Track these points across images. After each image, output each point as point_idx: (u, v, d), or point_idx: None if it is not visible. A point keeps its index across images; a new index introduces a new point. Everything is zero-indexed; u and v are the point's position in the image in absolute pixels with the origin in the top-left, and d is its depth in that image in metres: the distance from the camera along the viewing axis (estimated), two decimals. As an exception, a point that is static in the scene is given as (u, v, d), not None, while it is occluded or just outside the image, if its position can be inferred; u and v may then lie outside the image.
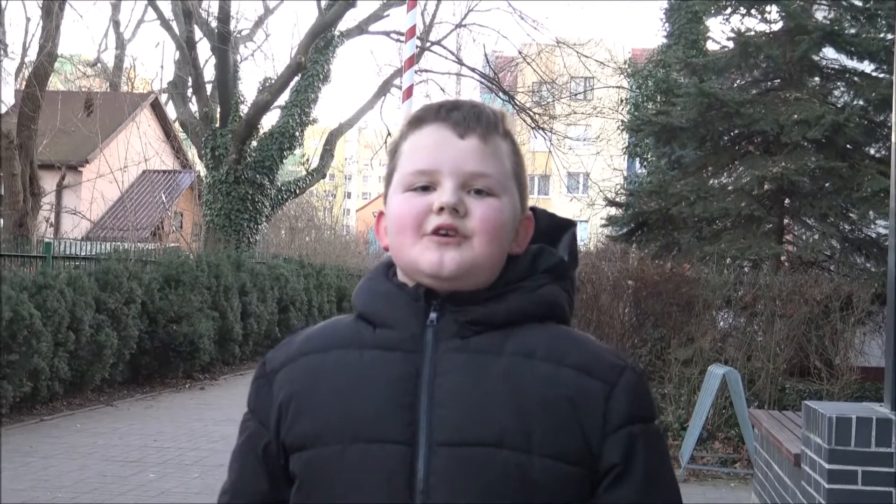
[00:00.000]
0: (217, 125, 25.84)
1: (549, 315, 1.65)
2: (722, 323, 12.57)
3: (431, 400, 1.55)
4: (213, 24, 26.53)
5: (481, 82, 32.35)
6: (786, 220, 14.70)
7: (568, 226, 1.75)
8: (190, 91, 28.26)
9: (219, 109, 26.22)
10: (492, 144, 1.63)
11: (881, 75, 13.95)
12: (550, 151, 30.36)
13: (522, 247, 1.66)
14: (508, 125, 1.68)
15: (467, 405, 1.54)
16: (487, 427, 1.53)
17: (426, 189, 1.60)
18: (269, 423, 1.65)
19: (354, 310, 1.70)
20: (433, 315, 1.60)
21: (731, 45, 15.21)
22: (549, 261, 1.67)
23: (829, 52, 14.67)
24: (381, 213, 1.71)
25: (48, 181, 24.57)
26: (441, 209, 1.57)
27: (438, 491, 1.51)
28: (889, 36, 13.77)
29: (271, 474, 1.65)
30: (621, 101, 29.36)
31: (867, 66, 14.40)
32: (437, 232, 1.57)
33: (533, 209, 1.73)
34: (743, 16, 15.59)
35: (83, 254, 16.07)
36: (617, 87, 30.59)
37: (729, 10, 15.87)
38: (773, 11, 15.24)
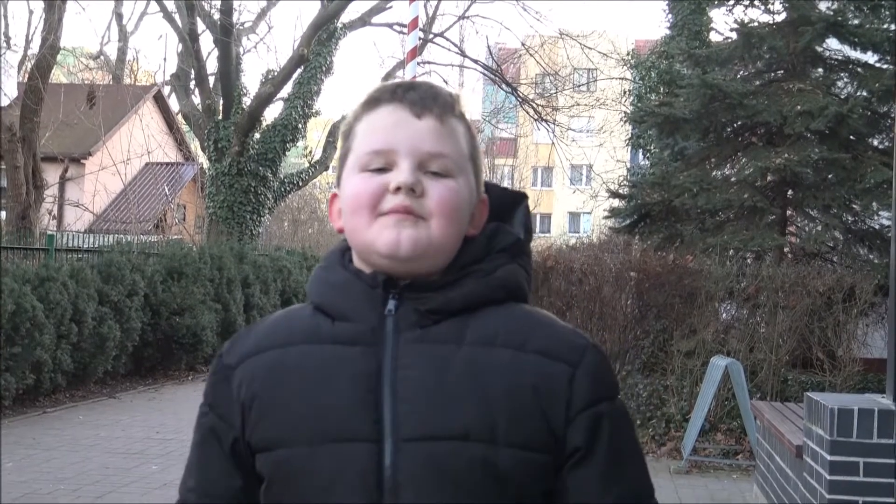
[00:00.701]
0: (220, 117, 25.83)
1: (508, 296, 1.62)
2: (724, 314, 12.55)
3: (394, 395, 1.53)
4: (216, 16, 26.51)
5: (484, 74, 32.32)
6: (789, 212, 14.67)
7: (520, 199, 1.73)
8: (193, 83, 28.23)
9: (221, 102, 26.20)
10: (448, 125, 1.61)
11: (885, 66, 13.92)
12: (553, 143, 30.39)
13: (478, 228, 1.65)
14: (464, 107, 1.67)
15: (430, 399, 1.53)
16: (451, 420, 1.52)
17: (382, 170, 1.58)
18: (232, 421, 1.63)
19: (308, 300, 1.67)
20: (392, 304, 1.58)
21: (734, 36, 15.17)
22: (506, 240, 1.65)
23: (832, 43, 14.63)
24: (334, 196, 1.69)
25: (51, 174, 24.61)
26: (398, 189, 1.55)
27: (407, 487, 1.50)
28: (893, 27, 13.74)
29: (244, 472, 1.63)
30: (624, 92, 29.32)
31: (871, 57, 14.36)
32: (392, 212, 1.55)
33: (486, 185, 1.71)
34: (746, 6, 15.55)
35: (86, 246, 16.09)
36: (620, 78, 30.55)
37: (732, 1, 15.82)
38: (776, 2, 15.20)
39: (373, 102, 1.64)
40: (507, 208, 1.71)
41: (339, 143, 1.70)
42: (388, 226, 1.55)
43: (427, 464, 1.50)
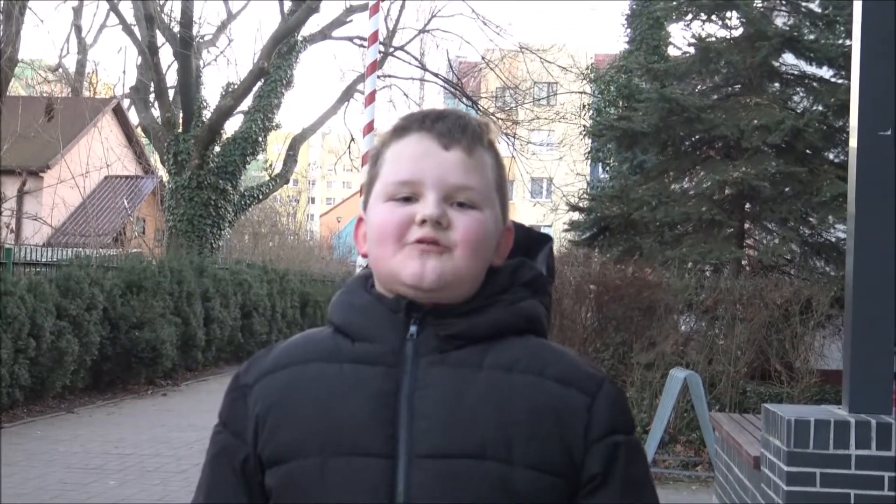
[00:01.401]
0: (179, 130, 25.72)
1: (528, 329, 1.64)
2: (683, 327, 12.64)
3: (411, 413, 1.54)
4: (176, 28, 26.43)
5: (445, 88, 32.36)
6: (746, 225, 14.79)
7: (545, 241, 1.75)
8: (152, 96, 28.13)
9: (181, 115, 26.10)
10: (476, 157, 1.62)
11: (840, 81, 14.06)
12: (514, 157, 30.40)
13: (502, 259, 1.66)
14: (493, 136, 1.67)
15: (448, 417, 1.53)
16: (468, 438, 1.52)
17: (408, 200, 1.59)
18: (245, 437, 1.62)
19: (329, 323, 1.68)
20: (413, 329, 1.58)
21: (692, 50, 15.30)
22: (528, 274, 1.67)
23: (788, 58, 14.78)
24: (360, 220, 1.70)
25: (9, 187, 24.43)
26: (423, 221, 1.56)
27: (420, 502, 1.50)
28: (847, 42, 13.88)
29: (250, 490, 1.62)
30: (584, 106, 29.47)
31: (826, 72, 14.52)
32: (418, 243, 1.56)
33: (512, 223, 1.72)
34: (704, 21, 15.69)
35: (44, 260, 15.95)
36: (579, 92, 30.68)
37: (690, 16, 15.94)
38: (733, 17, 15.34)
39: (401, 130, 1.65)
40: (529, 246, 1.73)
41: (368, 167, 1.70)
42: (413, 257, 1.56)
43: (441, 481, 1.50)
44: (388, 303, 1.60)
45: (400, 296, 1.59)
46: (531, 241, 1.74)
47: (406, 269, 1.56)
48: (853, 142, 5.66)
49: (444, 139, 1.61)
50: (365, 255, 1.67)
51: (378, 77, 12.94)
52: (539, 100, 34.98)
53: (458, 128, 1.62)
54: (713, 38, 14.96)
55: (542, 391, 1.57)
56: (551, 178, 35.74)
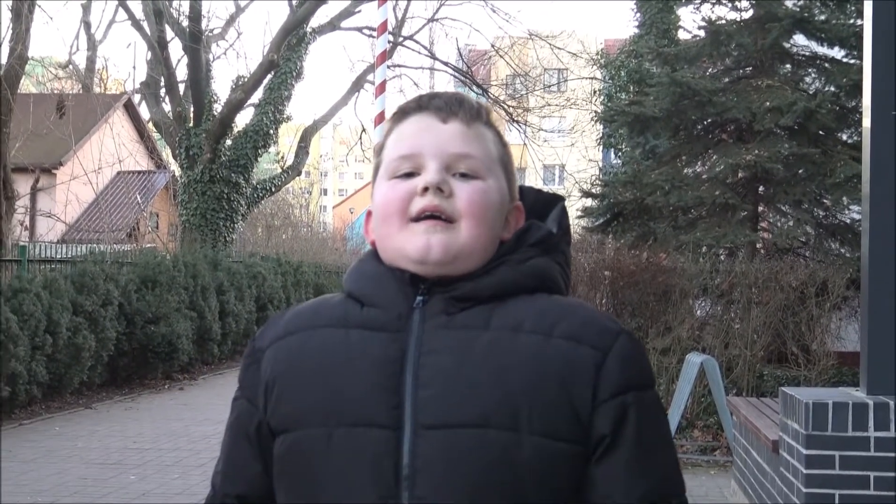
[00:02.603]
0: (191, 124, 25.75)
1: (539, 287, 1.61)
2: (699, 311, 12.61)
3: (416, 381, 1.52)
4: (185, 23, 26.42)
5: (454, 76, 32.32)
6: (760, 208, 14.74)
7: (556, 200, 1.74)
8: (163, 91, 28.15)
9: (192, 109, 26.11)
10: (475, 129, 1.63)
11: (852, 61, 14.00)
12: (525, 144, 30.35)
13: (511, 232, 1.64)
14: (493, 119, 1.68)
15: (452, 386, 1.51)
16: (472, 407, 1.49)
17: (411, 175, 1.59)
18: (257, 402, 1.63)
19: (343, 289, 1.69)
20: (420, 298, 1.58)
21: (702, 33, 15.24)
22: (536, 234, 1.65)
23: (799, 39, 14.71)
24: (369, 213, 1.69)
25: (22, 184, 24.44)
26: (425, 189, 1.56)
27: (425, 475, 1.48)
28: (859, 22, 13.81)
29: (263, 456, 1.63)
30: (594, 92, 29.40)
31: (838, 53, 14.44)
32: (422, 215, 1.56)
33: (521, 189, 1.72)
34: (713, 4, 15.61)
35: (59, 256, 16.01)
36: (590, 78, 30.60)
37: (699, -1, 15.90)
38: (743, -1, 15.29)
39: (401, 114, 1.67)
40: (541, 209, 1.72)
41: (373, 160, 1.72)
42: (418, 232, 1.56)
43: (446, 452, 1.48)
44: (396, 273, 1.60)
45: (405, 270, 1.59)
46: (542, 203, 1.73)
47: (411, 243, 1.56)
48: (866, 122, 5.63)
49: (441, 113, 1.62)
50: (373, 244, 1.66)
51: (388, 67, 12.91)
52: (549, 86, 34.94)
53: (454, 102, 1.64)
54: (723, 21, 14.90)
55: (550, 351, 1.53)
56: (563, 165, 35.74)
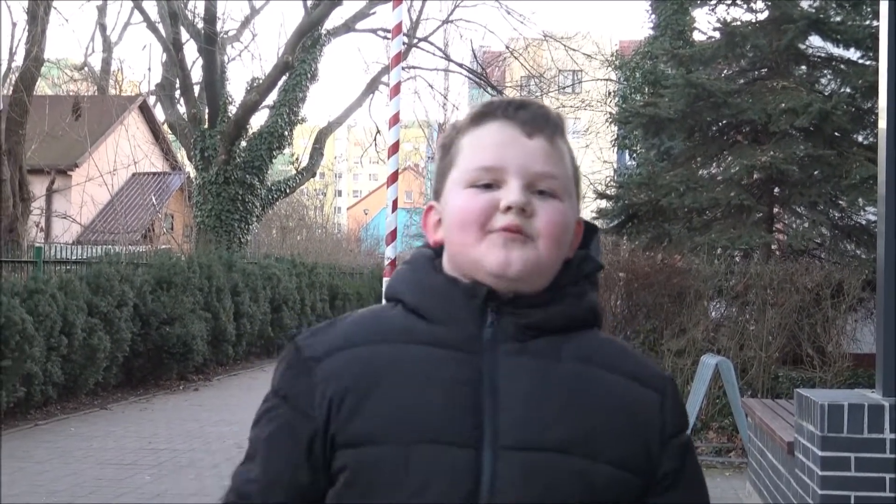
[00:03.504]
0: (206, 126, 25.81)
1: (592, 322, 1.64)
2: (714, 313, 12.58)
3: (495, 403, 1.52)
4: (200, 25, 26.51)
5: (469, 78, 32.35)
6: (775, 209, 14.71)
7: (594, 230, 1.73)
8: (178, 93, 28.22)
9: (207, 110, 26.18)
10: (557, 147, 1.62)
11: (867, 62, 13.96)
12: (540, 145, 30.36)
13: (573, 252, 1.65)
14: (567, 129, 1.67)
15: (532, 410, 1.52)
16: (552, 432, 1.52)
17: (489, 187, 1.57)
18: (312, 415, 1.56)
19: (393, 300, 1.65)
20: (492, 316, 1.57)
21: (717, 35, 15.21)
22: (590, 267, 1.66)
23: (815, 41, 14.68)
24: (430, 207, 1.68)
25: (38, 186, 24.55)
26: (508, 208, 1.55)
27: (504, 494, 1.48)
28: (874, 23, 13.77)
29: (314, 469, 1.57)
30: (609, 93, 29.35)
31: (853, 54, 14.41)
32: (502, 231, 1.55)
33: None
34: (729, 6, 15.61)
35: (74, 258, 16.06)
36: (605, 79, 30.57)
37: (715, 1, 15.88)
38: (758, 1, 15.27)
39: (480, 117, 1.63)
40: (584, 237, 1.71)
41: (438, 155, 1.69)
42: (498, 244, 1.54)
43: (526, 473, 1.50)
44: (465, 288, 1.58)
45: (477, 282, 1.57)
46: (584, 230, 1.72)
47: (490, 256, 1.54)
48: (882, 123, 5.62)
49: (527, 127, 1.60)
50: (437, 244, 1.65)
51: (402, 69, 12.93)
52: (564, 88, 34.93)
53: (541, 117, 1.62)
54: (738, 22, 14.88)
55: (620, 388, 1.58)
56: (578, 167, 35.68)
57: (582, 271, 1.64)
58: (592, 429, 1.53)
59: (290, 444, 1.58)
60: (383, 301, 1.73)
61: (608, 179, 23.58)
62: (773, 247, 14.08)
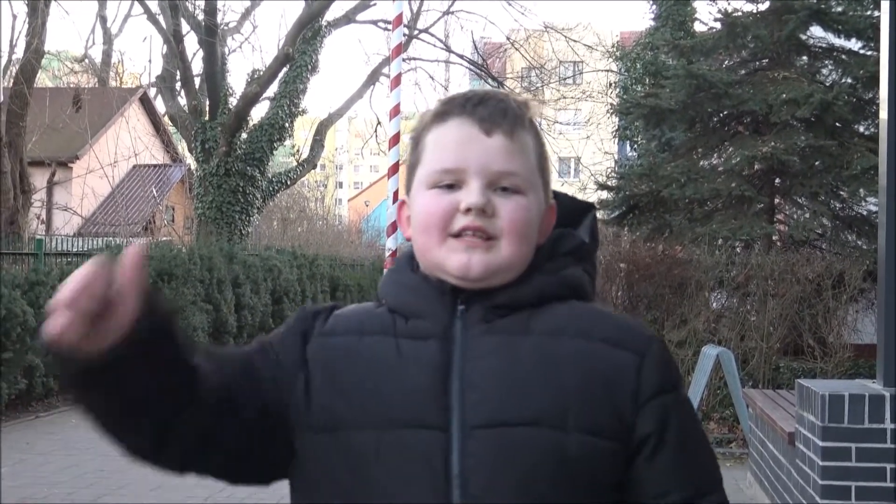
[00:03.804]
0: (206, 118, 25.79)
1: (571, 295, 1.65)
2: (715, 304, 12.59)
3: (462, 383, 1.54)
4: (200, 17, 26.47)
5: (470, 69, 32.31)
6: (776, 200, 14.71)
7: (588, 209, 1.76)
8: (178, 85, 28.18)
9: (208, 102, 26.16)
10: (518, 140, 1.62)
11: (869, 53, 13.95)
12: (540, 137, 30.35)
13: (545, 236, 1.66)
14: (533, 113, 1.67)
15: (501, 387, 1.54)
16: (523, 407, 1.53)
17: (451, 187, 1.59)
18: (284, 364, 1.62)
19: (379, 300, 1.69)
20: (461, 307, 1.60)
21: (718, 25, 15.21)
22: (569, 243, 1.68)
23: (816, 31, 14.67)
24: (402, 202, 1.71)
25: (38, 178, 24.56)
26: (468, 210, 1.57)
27: (476, 473, 1.51)
28: (875, 13, 13.76)
29: (249, 379, 1.60)
30: (610, 84, 29.35)
31: (855, 44, 14.41)
32: (463, 232, 1.57)
33: (555, 194, 1.73)
34: (730, -4, 15.59)
35: (75, 250, 16.06)
36: (606, 70, 30.57)
37: (716, -9, 15.87)
38: (759, -9, 15.25)
39: (442, 115, 1.65)
40: (575, 216, 1.73)
41: (409, 149, 1.70)
42: (459, 250, 1.57)
43: (497, 450, 1.51)
44: (434, 282, 1.61)
45: (444, 281, 1.61)
46: (576, 210, 1.74)
47: (451, 259, 1.58)
48: (883, 114, 5.62)
49: (485, 124, 1.60)
50: (409, 239, 1.68)
51: (403, 60, 12.91)
52: (565, 79, 34.90)
53: (499, 112, 1.62)
54: (739, 13, 14.87)
55: (592, 354, 1.57)
56: (579, 158, 35.64)
57: (559, 248, 1.66)
58: (561, 399, 1.54)
59: (257, 358, 1.64)
60: None
61: (609, 170, 23.58)
62: (774, 237, 14.08)
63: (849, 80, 14.12)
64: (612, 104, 25.34)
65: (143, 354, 1.45)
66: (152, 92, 36.72)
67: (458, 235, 1.58)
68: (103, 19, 36.26)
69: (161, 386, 1.49)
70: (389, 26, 18.43)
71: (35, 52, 19.91)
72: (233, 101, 25.84)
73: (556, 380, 1.55)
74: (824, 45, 14.76)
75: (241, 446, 1.59)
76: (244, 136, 25.63)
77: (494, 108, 1.62)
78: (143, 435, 1.60)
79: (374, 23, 30.56)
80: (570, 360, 1.56)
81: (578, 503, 1.53)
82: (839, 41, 14.48)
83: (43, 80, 33.32)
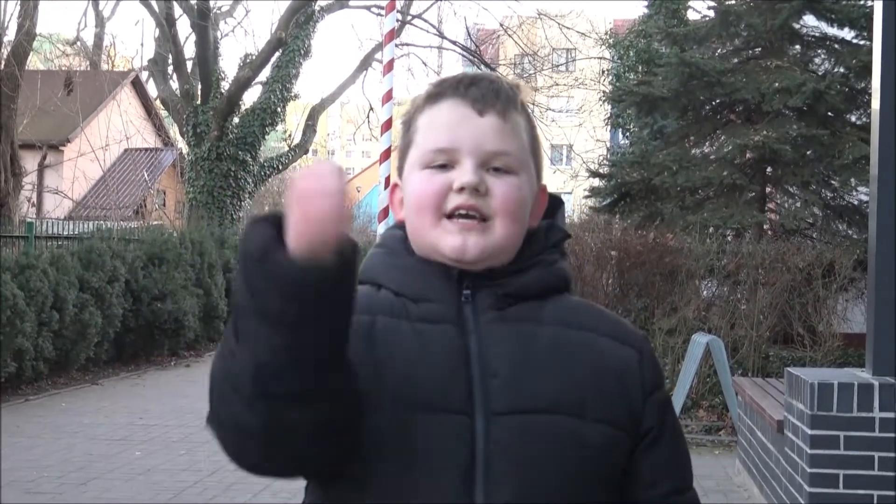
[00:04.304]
0: (198, 102, 25.75)
1: (564, 288, 1.68)
2: (705, 292, 12.61)
3: (483, 370, 1.55)
4: (193, 0, 26.38)
5: (463, 55, 32.25)
6: (768, 189, 14.72)
7: (560, 202, 1.76)
8: (170, 68, 28.13)
9: (200, 86, 26.12)
10: (511, 121, 1.62)
11: (861, 42, 13.95)
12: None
13: (537, 220, 1.67)
14: (525, 96, 1.67)
15: (520, 374, 1.56)
16: (542, 395, 1.55)
17: (444, 167, 1.59)
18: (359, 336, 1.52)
19: (372, 284, 1.64)
20: (466, 292, 1.60)
21: (711, 14, 15.22)
22: (558, 235, 1.69)
23: (809, 20, 14.67)
24: (395, 185, 1.70)
25: (29, 161, 24.47)
26: (461, 189, 1.57)
27: (499, 459, 1.52)
28: (869, 2, 13.75)
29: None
30: (603, 72, 29.32)
31: (847, 34, 14.41)
32: (457, 212, 1.57)
33: None
34: (723, -16, 15.57)
35: (66, 233, 16.04)
36: (598, 58, 30.52)
37: (709, -21, 15.85)
38: (753, -21, 15.23)
39: (435, 97, 1.65)
40: (550, 208, 1.74)
41: (401, 132, 1.70)
42: (453, 231, 1.57)
43: (519, 436, 1.53)
44: (438, 268, 1.61)
45: (445, 264, 1.60)
46: (550, 202, 1.74)
47: (446, 241, 1.58)
48: (875, 103, 5.62)
49: (478, 105, 1.61)
50: (401, 221, 1.67)
51: (396, 46, 12.89)
52: (558, 66, 34.86)
53: (491, 92, 1.62)
54: (733, 1, 14.88)
55: (600, 348, 1.62)
56: (571, 145, 35.64)
57: (550, 240, 1.67)
58: (579, 388, 1.57)
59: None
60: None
61: (601, 158, 23.62)
62: (765, 226, 14.09)
63: (841, 70, 14.12)
64: (604, 92, 25.38)
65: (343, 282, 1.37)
66: (144, 75, 36.61)
67: (451, 216, 1.57)
68: (95, 2, 36.13)
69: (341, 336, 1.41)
70: (383, 11, 18.40)
71: (27, 35, 19.84)
72: (225, 86, 25.80)
73: (571, 370, 1.58)
74: (817, 35, 14.76)
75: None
76: (236, 120, 25.60)
77: (487, 89, 1.62)
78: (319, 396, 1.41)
79: (368, 8, 30.53)
80: (583, 351, 1.61)
81: (596, 490, 1.57)
82: (832, 30, 14.48)
83: (34, 62, 33.17)
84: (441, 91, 1.65)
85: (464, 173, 1.57)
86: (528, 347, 1.58)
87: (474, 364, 1.55)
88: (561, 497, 1.54)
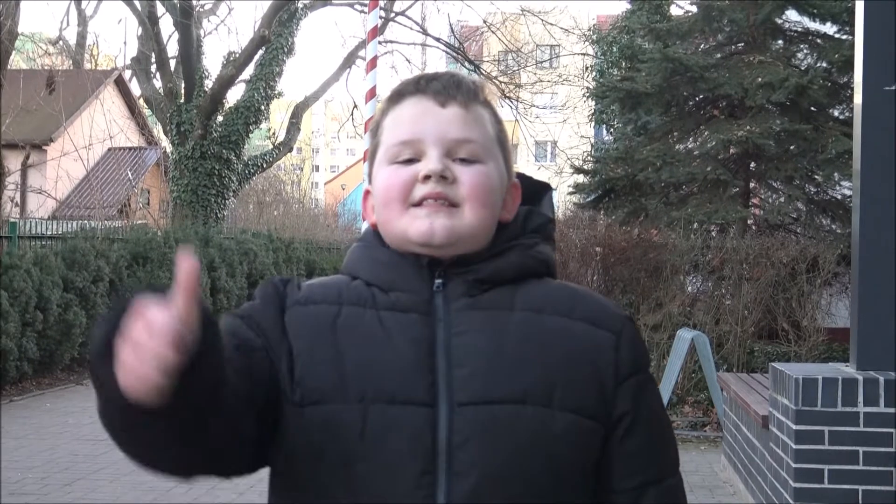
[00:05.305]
0: (182, 101, 25.66)
1: (545, 272, 1.67)
2: (690, 287, 12.63)
3: (449, 360, 1.54)
4: (175, -2, 26.31)
5: (446, 52, 32.22)
6: (752, 184, 14.76)
7: (546, 188, 1.77)
8: (154, 67, 28.04)
9: (183, 85, 26.02)
10: (473, 111, 1.63)
11: (844, 37, 14.00)
12: (517, 120, 30.31)
13: (512, 214, 1.67)
14: (489, 95, 1.68)
15: (488, 363, 1.54)
16: (510, 384, 1.54)
17: (411, 161, 1.60)
18: (271, 341, 1.56)
19: (346, 273, 1.67)
20: (438, 281, 1.60)
21: (694, 9, 15.26)
22: (538, 221, 1.69)
23: (791, 15, 14.70)
24: (367, 192, 1.70)
25: (12, 161, 24.37)
26: (427, 177, 1.57)
27: (462, 449, 1.51)
28: (851, -2, 13.81)
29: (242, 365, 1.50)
30: (586, 68, 29.32)
31: (830, 28, 14.45)
32: (424, 201, 1.57)
33: (516, 174, 1.73)
34: (706, -20, 15.59)
35: (49, 233, 15.96)
36: (582, 54, 30.53)
37: (692, -25, 15.87)
38: (735, -25, 15.26)
39: (397, 96, 1.66)
40: (533, 196, 1.73)
41: (369, 141, 1.71)
42: (420, 216, 1.57)
43: (483, 427, 1.52)
44: (410, 259, 1.60)
45: (417, 254, 1.60)
46: (533, 190, 1.74)
47: (413, 227, 1.57)
48: (858, 98, 5.63)
49: (440, 97, 1.62)
50: (374, 226, 1.67)
51: (379, 43, 12.89)
52: (541, 62, 34.82)
53: (452, 85, 1.64)
54: (715, -3, 14.88)
55: (574, 333, 1.60)
56: (555, 142, 35.71)
57: (528, 226, 1.67)
58: (549, 376, 1.55)
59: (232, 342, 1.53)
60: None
61: (585, 154, 23.60)
62: (749, 221, 14.13)
63: (824, 65, 14.16)
64: (588, 88, 25.37)
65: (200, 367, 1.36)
66: (127, 74, 36.50)
67: (419, 205, 1.57)
68: (78, 1, 36.08)
69: (212, 396, 1.40)
70: (366, 8, 18.37)
71: (9, 34, 19.74)
72: (208, 84, 25.70)
73: (543, 357, 1.56)
74: (800, 30, 14.80)
75: (259, 436, 1.53)
76: (220, 118, 25.52)
77: (448, 82, 1.64)
78: (194, 447, 1.48)
79: (351, 5, 30.46)
80: (555, 338, 1.58)
81: (563, 481, 1.55)
82: (814, 25, 14.52)
83: (17, 62, 33.11)
84: (402, 90, 1.66)
85: (429, 161, 1.58)
86: (497, 335, 1.56)
87: (440, 354, 1.55)
88: (527, 490, 1.52)
